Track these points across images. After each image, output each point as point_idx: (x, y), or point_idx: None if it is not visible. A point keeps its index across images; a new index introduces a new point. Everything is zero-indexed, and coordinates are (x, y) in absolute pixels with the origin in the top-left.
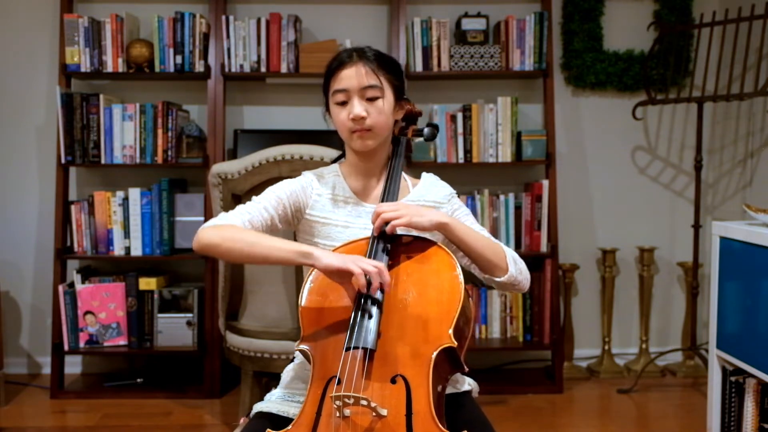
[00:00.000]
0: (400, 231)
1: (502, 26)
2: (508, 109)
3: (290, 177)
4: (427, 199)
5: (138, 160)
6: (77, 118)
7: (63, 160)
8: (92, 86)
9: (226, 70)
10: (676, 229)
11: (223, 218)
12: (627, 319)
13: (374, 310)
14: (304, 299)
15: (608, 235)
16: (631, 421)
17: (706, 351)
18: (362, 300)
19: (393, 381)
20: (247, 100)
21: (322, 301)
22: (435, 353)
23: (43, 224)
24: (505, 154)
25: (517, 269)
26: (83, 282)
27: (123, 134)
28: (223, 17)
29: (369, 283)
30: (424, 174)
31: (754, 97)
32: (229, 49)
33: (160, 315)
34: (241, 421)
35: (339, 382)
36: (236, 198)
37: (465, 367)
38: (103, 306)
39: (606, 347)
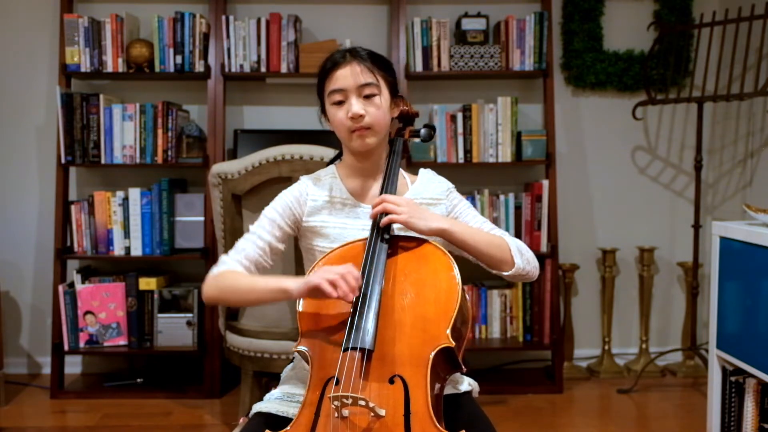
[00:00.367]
0: (400, 232)
1: (502, 26)
2: (508, 109)
3: (290, 177)
4: (425, 196)
5: (138, 160)
6: (77, 118)
7: (63, 160)
8: (92, 86)
9: (226, 70)
10: (676, 229)
11: (221, 263)
12: (627, 319)
13: (372, 310)
14: (301, 300)
15: (608, 235)
16: (631, 421)
17: (706, 351)
18: (359, 300)
19: (391, 381)
20: (247, 100)
21: (319, 302)
22: (433, 353)
23: (43, 224)
24: (505, 154)
25: (524, 260)
26: (83, 282)
27: (123, 134)
28: (223, 17)
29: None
30: (421, 170)
31: (754, 97)
32: (229, 49)
33: (160, 315)
34: (241, 421)
35: (337, 383)
36: (236, 198)
37: (463, 367)
38: (103, 306)
39: (606, 347)
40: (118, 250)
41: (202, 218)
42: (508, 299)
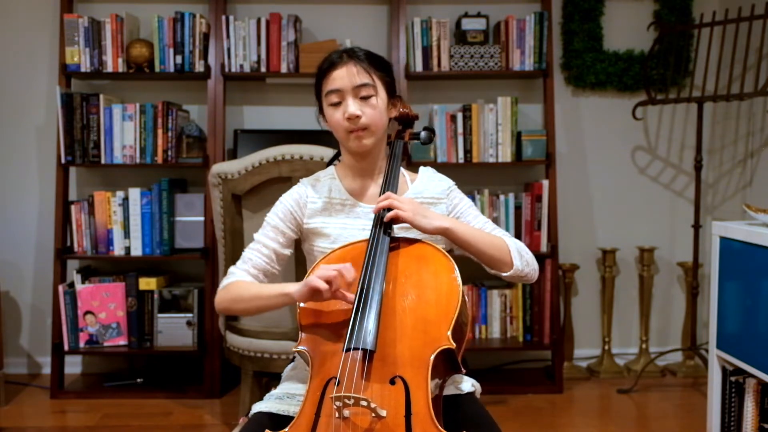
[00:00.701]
0: (401, 233)
1: (502, 26)
2: (508, 109)
3: (290, 177)
4: (425, 195)
5: (138, 160)
6: (77, 118)
7: (63, 160)
8: (92, 86)
9: (226, 70)
10: (676, 229)
11: (230, 275)
12: (627, 319)
13: (373, 311)
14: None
15: (608, 235)
16: (631, 421)
17: (706, 351)
18: (361, 301)
19: (392, 382)
20: (247, 100)
21: (320, 302)
22: (434, 355)
23: (43, 224)
24: (505, 154)
25: (523, 262)
26: (83, 282)
27: (123, 134)
28: (223, 17)
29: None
30: (421, 168)
31: (754, 97)
32: (229, 49)
33: (160, 315)
34: (241, 421)
35: (338, 383)
36: (236, 198)
37: (462, 368)
38: (103, 306)
39: (606, 347)
40: (118, 250)
41: (202, 218)
42: (508, 299)
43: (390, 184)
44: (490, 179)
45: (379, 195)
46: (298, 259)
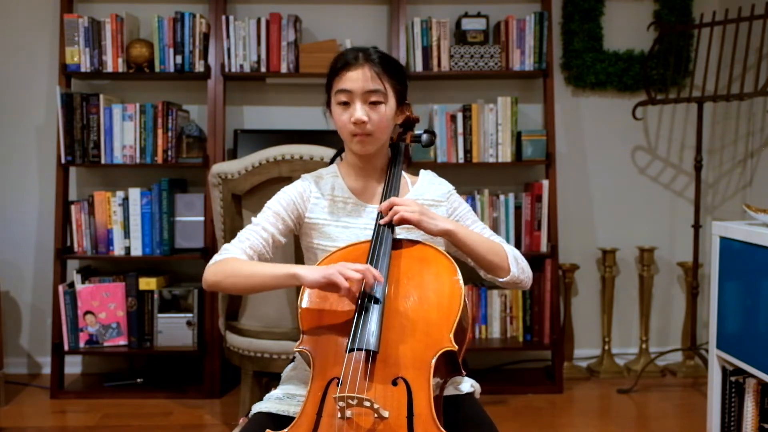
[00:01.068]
0: (403, 234)
1: (502, 26)
2: (508, 109)
3: (290, 177)
4: (426, 198)
5: (138, 160)
6: (77, 118)
7: (63, 160)
8: (92, 86)
9: (226, 70)
10: (676, 229)
11: (224, 251)
12: (627, 319)
13: (376, 312)
14: (304, 300)
15: (608, 235)
16: (631, 421)
17: (706, 351)
18: (363, 302)
19: (394, 383)
20: (247, 100)
21: (322, 302)
22: (436, 356)
23: (43, 224)
24: (505, 154)
25: (519, 269)
26: (83, 282)
27: (123, 134)
28: (223, 17)
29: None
30: (422, 171)
31: (754, 97)
32: (229, 49)
33: (160, 315)
34: (241, 421)
35: (341, 384)
36: (236, 198)
37: (463, 370)
38: (103, 306)
39: (606, 347)
40: (118, 250)
41: (202, 218)
42: (508, 299)
43: (392, 187)
44: (490, 179)
45: (382, 198)
46: (298, 260)
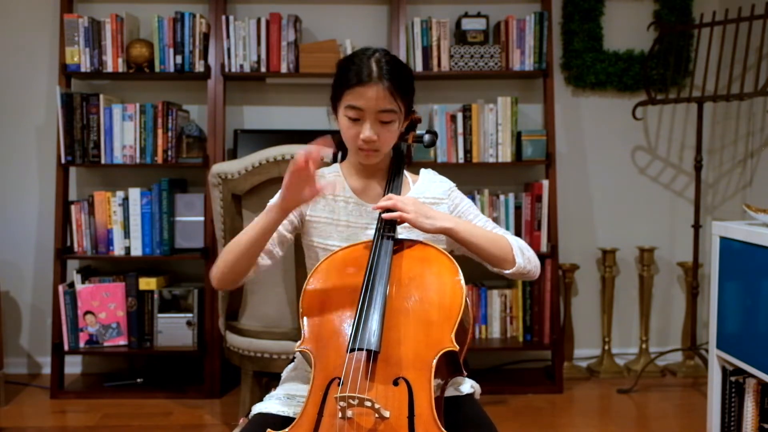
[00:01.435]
0: (404, 233)
1: (502, 26)
2: (508, 109)
3: None
4: (427, 196)
5: (138, 160)
6: (77, 118)
7: (63, 160)
8: (92, 86)
9: (226, 70)
10: (676, 229)
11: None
12: (627, 319)
13: (377, 311)
14: (305, 300)
15: (608, 235)
16: (631, 421)
17: (706, 351)
18: (365, 301)
19: (395, 383)
20: (247, 100)
21: (323, 302)
22: (437, 357)
23: (43, 224)
24: (505, 154)
25: (525, 259)
26: (83, 282)
27: (123, 134)
28: (223, 17)
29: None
30: (422, 170)
31: (754, 97)
32: (229, 49)
33: (160, 315)
34: (241, 421)
35: (342, 383)
36: (236, 198)
37: (464, 371)
38: (103, 306)
39: (606, 347)
40: (118, 250)
41: (202, 218)
42: (508, 299)
43: (394, 186)
44: (490, 179)
45: (383, 196)
46: (298, 261)
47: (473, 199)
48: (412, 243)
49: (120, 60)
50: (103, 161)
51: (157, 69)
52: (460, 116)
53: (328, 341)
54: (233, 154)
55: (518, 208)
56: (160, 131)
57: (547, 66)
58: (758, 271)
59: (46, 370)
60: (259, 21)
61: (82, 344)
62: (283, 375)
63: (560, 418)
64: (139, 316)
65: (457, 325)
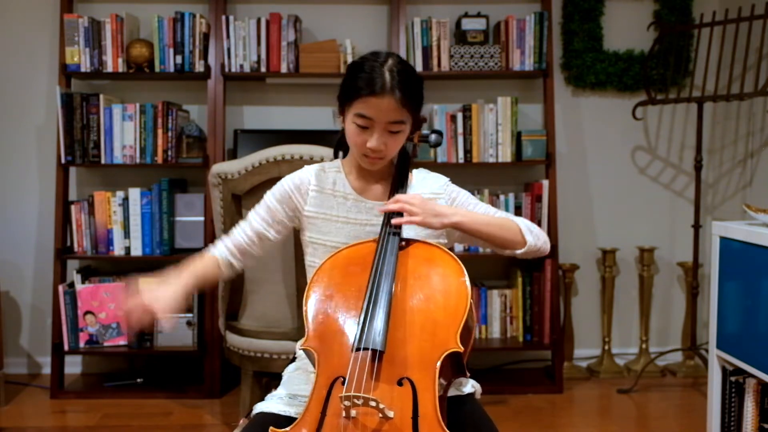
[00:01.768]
0: (411, 234)
1: (502, 26)
2: (508, 109)
3: None
4: (424, 192)
5: (138, 160)
6: (77, 118)
7: (63, 160)
8: (92, 86)
9: (226, 70)
10: (676, 229)
11: (211, 246)
12: (627, 319)
13: (382, 311)
14: (309, 299)
15: (608, 235)
16: (631, 421)
17: (706, 351)
18: (370, 300)
19: (400, 383)
20: (247, 100)
21: (327, 300)
22: (442, 357)
23: (43, 224)
24: (505, 154)
25: (534, 236)
26: (83, 282)
27: (123, 134)
28: (223, 17)
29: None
30: (414, 171)
31: (754, 97)
32: (229, 49)
33: None
34: (241, 421)
35: (346, 383)
36: (236, 198)
37: (467, 372)
38: (103, 306)
39: (606, 347)
40: (118, 250)
41: (202, 218)
42: (508, 299)
43: (400, 185)
44: (490, 179)
45: (389, 197)
46: (297, 256)
47: None
48: (418, 243)
49: (120, 60)
50: (103, 161)
51: (157, 69)
52: (460, 116)
53: (332, 340)
54: (233, 154)
55: (518, 208)
56: (160, 131)
57: (547, 66)
58: (758, 271)
59: (46, 370)
60: (259, 21)
61: (82, 344)
62: (284, 374)
63: (560, 418)
64: None
65: (462, 326)
